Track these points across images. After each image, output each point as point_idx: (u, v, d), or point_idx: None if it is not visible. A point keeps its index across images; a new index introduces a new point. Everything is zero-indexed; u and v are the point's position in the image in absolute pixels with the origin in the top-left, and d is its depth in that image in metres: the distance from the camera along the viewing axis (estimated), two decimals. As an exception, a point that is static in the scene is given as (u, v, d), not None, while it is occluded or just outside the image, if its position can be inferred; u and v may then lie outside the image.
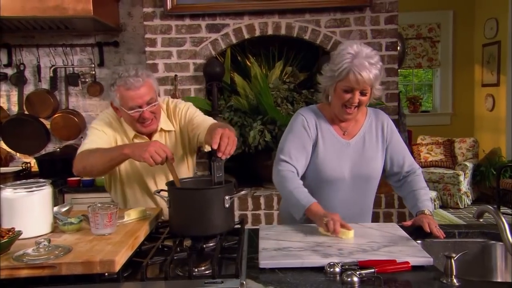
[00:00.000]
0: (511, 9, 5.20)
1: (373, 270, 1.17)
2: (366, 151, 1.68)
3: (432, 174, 5.45)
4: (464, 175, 5.31)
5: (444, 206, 5.31)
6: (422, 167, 5.84)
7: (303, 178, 1.67)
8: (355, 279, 1.14)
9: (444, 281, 1.14)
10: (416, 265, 1.24)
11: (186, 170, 1.85)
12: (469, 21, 6.10)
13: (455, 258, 1.15)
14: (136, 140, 1.73)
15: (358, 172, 1.67)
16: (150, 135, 1.75)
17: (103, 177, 2.57)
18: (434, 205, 5.14)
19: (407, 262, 1.22)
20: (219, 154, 1.42)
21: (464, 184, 5.30)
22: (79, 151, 1.65)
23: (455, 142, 5.78)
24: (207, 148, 1.74)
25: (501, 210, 4.35)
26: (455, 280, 1.13)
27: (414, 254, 1.29)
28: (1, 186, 1.33)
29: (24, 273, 1.10)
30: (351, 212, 1.68)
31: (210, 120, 1.75)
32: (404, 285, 1.16)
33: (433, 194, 5.19)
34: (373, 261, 1.22)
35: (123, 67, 1.73)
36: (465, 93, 6.19)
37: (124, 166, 1.75)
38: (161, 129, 1.76)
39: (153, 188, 1.76)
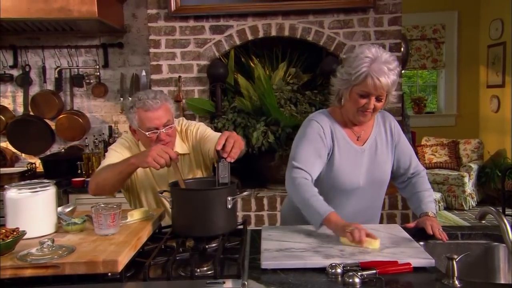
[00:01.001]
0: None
1: (374, 271, 1.18)
2: (379, 155, 1.66)
3: (437, 176, 5.42)
4: (469, 176, 5.29)
5: (448, 208, 5.29)
6: (426, 168, 5.84)
7: (316, 186, 1.58)
8: (357, 280, 1.14)
9: (446, 283, 1.14)
10: (418, 266, 1.24)
11: None
12: (474, 22, 6.07)
13: (457, 260, 1.15)
14: None
15: (372, 178, 1.65)
16: None
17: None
18: (439, 206, 5.12)
19: (408, 264, 1.22)
20: (224, 155, 1.43)
21: (469, 186, 5.28)
22: (95, 171, 1.72)
23: (460, 144, 5.76)
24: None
25: (506, 212, 4.33)
26: (456, 282, 1.13)
27: (416, 256, 1.29)
28: (6, 186, 1.35)
29: (28, 272, 1.11)
30: (363, 217, 1.67)
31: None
32: (405, 286, 1.16)
33: (438, 195, 5.17)
34: (374, 262, 1.22)
35: (142, 91, 1.78)
36: (470, 94, 6.17)
37: (139, 177, 1.79)
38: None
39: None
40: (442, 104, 6.42)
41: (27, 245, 1.22)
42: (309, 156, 1.57)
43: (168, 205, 1.78)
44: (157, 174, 1.79)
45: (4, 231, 1.19)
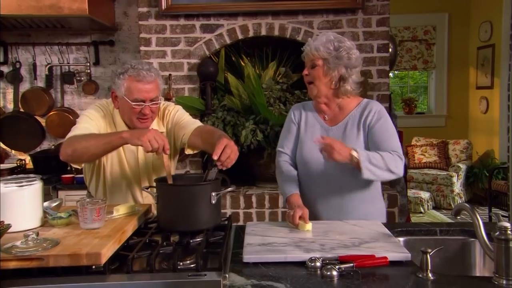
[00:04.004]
0: (508, 12, 5.24)
1: (352, 264, 1.21)
2: (345, 138, 1.70)
3: (426, 175, 5.49)
4: (457, 176, 5.36)
5: (437, 207, 5.35)
6: (416, 168, 5.87)
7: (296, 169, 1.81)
8: (334, 273, 1.18)
9: (420, 276, 1.18)
10: (394, 260, 1.27)
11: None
12: (464, 24, 6.15)
13: (430, 254, 1.18)
14: None
15: None
16: None
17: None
18: (427, 205, 5.18)
19: (385, 257, 1.26)
20: (218, 164, 1.43)
21: (457, 186, 5.35)
22: (68, 136, 1.62)
23: (449, 144, 5.83)
24: (188, 151, 1.77)
25: (493, 211, 4.39)
26: (430, 275, 1.17)
27: (393, 250, 1.32)
28: (-8, 180, 1.36)
29: (12, 264, 1.13)
30: (340, 210, 1.71)
31: (197, 123, 1.77)
32: (381, 279, 1.19)
33: (427, 195, 5.23)
34: (352, 256, 1.26)
35: (136, 60, 1.73)
36: (459, 95, 6.24)
37: (110, 170, 1.76)
38: None
39: (138, 194, 1.80)
40: (432, 105, 6.49)
41: (12, 238, 1.24)
42: (284, 137, 1.84)
43: (140, 200, 1.80)
44: (131, 170, 1.79)
45: (-11, 224, 1.21)
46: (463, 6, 6.11)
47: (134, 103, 1.64)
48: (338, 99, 1.75)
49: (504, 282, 1.11)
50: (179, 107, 1.86)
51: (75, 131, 1.63)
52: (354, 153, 1.56)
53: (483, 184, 5.31)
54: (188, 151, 1.78)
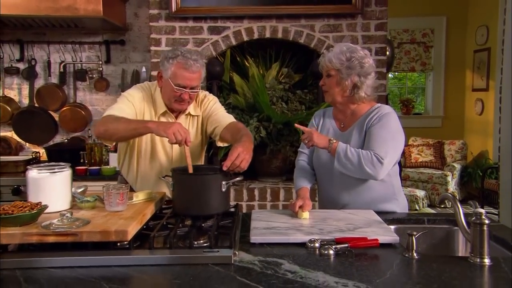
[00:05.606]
0: (501, 17, 5.39)
1: (347, 245, 1.38)
2: (352, 140, 1.82)
3: (422, 174, 5.66)
4: (452, 176, 5.53)
5: (432, 205, 5.51)
6: (412, 167, 6.01)
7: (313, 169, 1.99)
8: (331, 252, 1.34)
9: (406, 255, 1.34)
10: (384, 242, 1.44)
11: (200, 154, 2.06)
12: (462, 28, 6.31)
13: (416, 236, 1.35)
14: (162, 117, 1.93)
15: None
16: (177, 116, 1.95)
17: (108, 166, 2.78)
18: (422, 203, 5.34)
19: (376, 240, 1.43)
20: (224, 168, 1.59)
21: (452, 185, 5.51)
22: (105, 114, 1.79)
23: (445, 144, 5.99)
24: (219, 144, 1.95)
25: (485, 209, 4.56)
26: (415, 254, 1.33)
27: (383, 234, 1.49)
28: (28, 167, 1.53)
29: (51, 239, 1.29)
30: (356, 198, 1.85)
31: (230, 118, 1.94)
32: (372, 257, 1.36)
33: (422, 193, 5.39)
34: (347, 238, 1.43)
35: (186, 48, 1.86)
36: (456, 97, 6.41)
37: (144, 159, 1.92)
38: (188, 113, 1.95)
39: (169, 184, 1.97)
40: (429, 106, 6.65)
41: (46, 218, 1.39)
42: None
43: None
44: (164, 161, 1.96)
45: (29, 204, 1.37)
46: (460, 10, 6.27)
47: (176, 87, 1.81)
48: (353, 105, 1.87)
49: (478, 260, 1.27)
50: (217, 99, 2.04)
51: (111, 110, 1.81)
52: (333, 141, 1.75)
53: (477, 184, 5.47)
54: (219, 144, 1.95)
